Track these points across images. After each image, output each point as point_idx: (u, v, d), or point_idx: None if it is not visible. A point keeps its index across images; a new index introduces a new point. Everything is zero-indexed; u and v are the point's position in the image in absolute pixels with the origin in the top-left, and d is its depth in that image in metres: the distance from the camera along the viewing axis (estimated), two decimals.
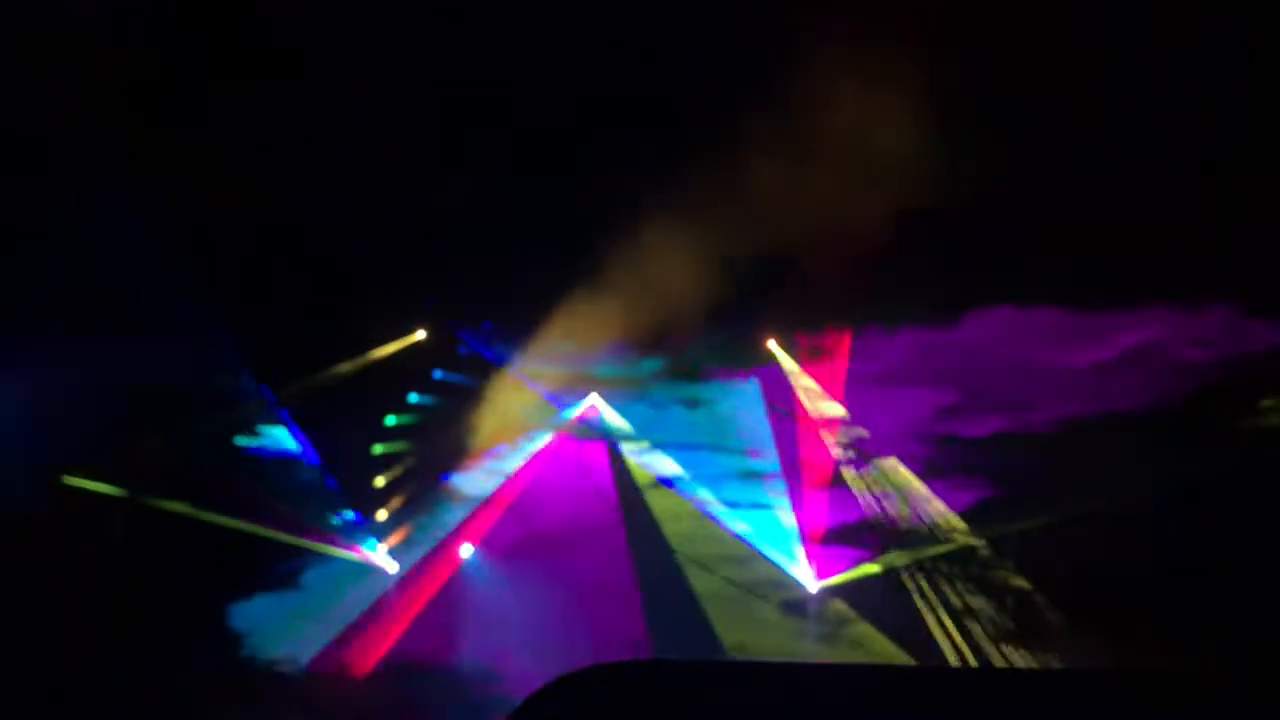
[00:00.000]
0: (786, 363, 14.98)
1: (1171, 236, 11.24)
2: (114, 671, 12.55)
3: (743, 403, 15.01)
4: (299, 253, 12.98)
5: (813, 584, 14.47)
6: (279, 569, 14.07)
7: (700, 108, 11.88)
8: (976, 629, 13.36)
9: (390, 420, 14.96)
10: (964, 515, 13.76)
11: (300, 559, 14.23)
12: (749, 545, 14.66)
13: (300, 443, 14.22)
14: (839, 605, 14.29)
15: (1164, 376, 12.26)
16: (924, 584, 13.73)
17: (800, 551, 14.53)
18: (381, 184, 12.61)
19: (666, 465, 15.04)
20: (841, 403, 14.48)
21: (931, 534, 13.91)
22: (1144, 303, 12.33)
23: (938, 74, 10.84)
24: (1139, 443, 12.22)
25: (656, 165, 11.96)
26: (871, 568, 14.20)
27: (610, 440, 15.20)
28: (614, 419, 15.23)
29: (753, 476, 14.81)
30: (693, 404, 15.02)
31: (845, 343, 14.21)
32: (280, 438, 14.18)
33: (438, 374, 15.04)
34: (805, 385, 14.79)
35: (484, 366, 14.95)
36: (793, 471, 14.69)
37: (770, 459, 14.78)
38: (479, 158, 12.45)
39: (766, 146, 11.76)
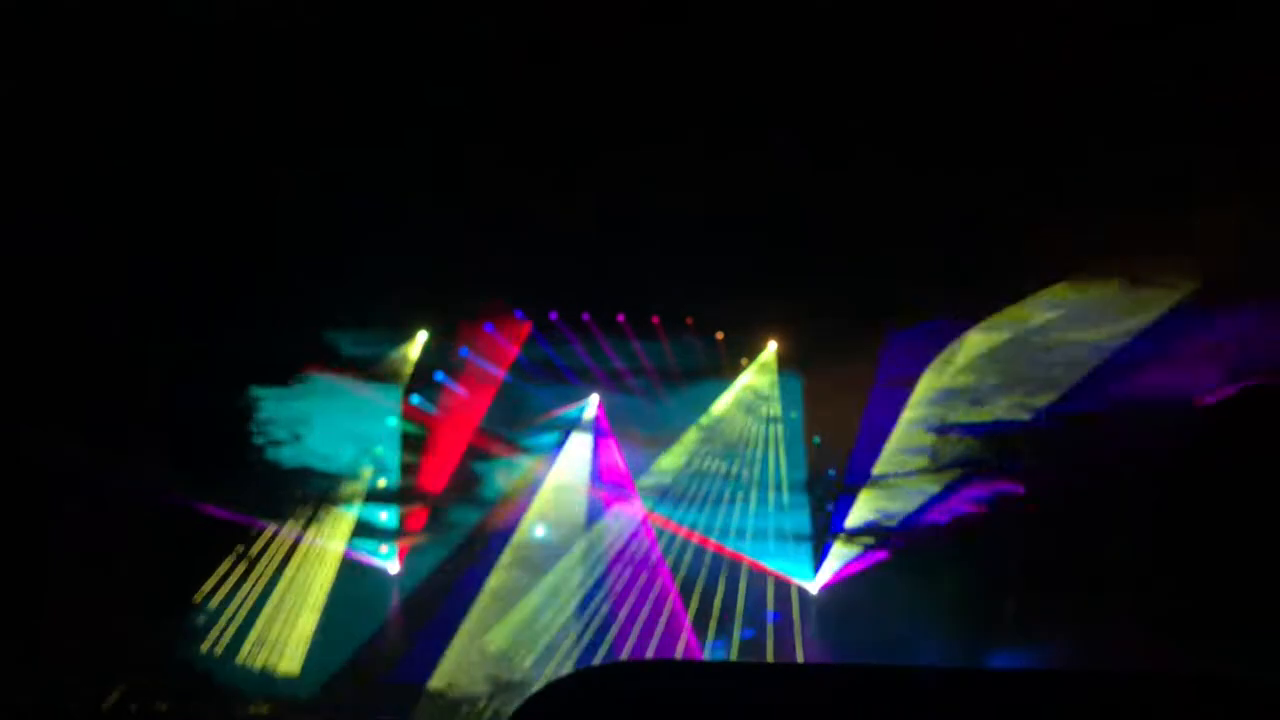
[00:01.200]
0: (787, 364, 14.99)
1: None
2: (116, 668, 12.61)
3: (742, 403, 15.02)
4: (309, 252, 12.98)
5: (814, 585, 14.47)
6: (282, 569, 14.10)
7: None
8: (976, 627, 13.34)
9: (392, 423, 14.99)
10: (965, 513, 13.74)
11: (304, 559, 14.25)
12: (750, 545, 14.67)
13: (305, 444, 14.23)
14: (840, 605, 14.29)
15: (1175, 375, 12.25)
16: (925, 583, 13.72)
17: (802, 552, 14.54)
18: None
19: (668, 464, 15.05)
20: (842, 402, 14.45)
21: (930, 532, 13.90)
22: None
23: None
24: (1143, 441, 12.21)
25: None
26: (873, 567, 14.19)
27: (612, 439, 15.21)
28: (616, 418, 15.23)
29: (754, 477, 14.81)
30: (694, 404, 15.05)
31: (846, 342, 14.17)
32: (284, 439, 14.18)
33: (439, 375, 15.06)
34: (803, 385, 14.79)
35: (484, 372, 14.98)
36: (795, 473, 14.69)
37: (771, 460, 14.78)
38: None
39: None
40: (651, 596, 14.51)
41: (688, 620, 14.36)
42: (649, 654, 13.94)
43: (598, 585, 14.55)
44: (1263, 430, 11.56)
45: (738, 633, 14.34)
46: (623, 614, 14.39)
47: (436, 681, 13.87)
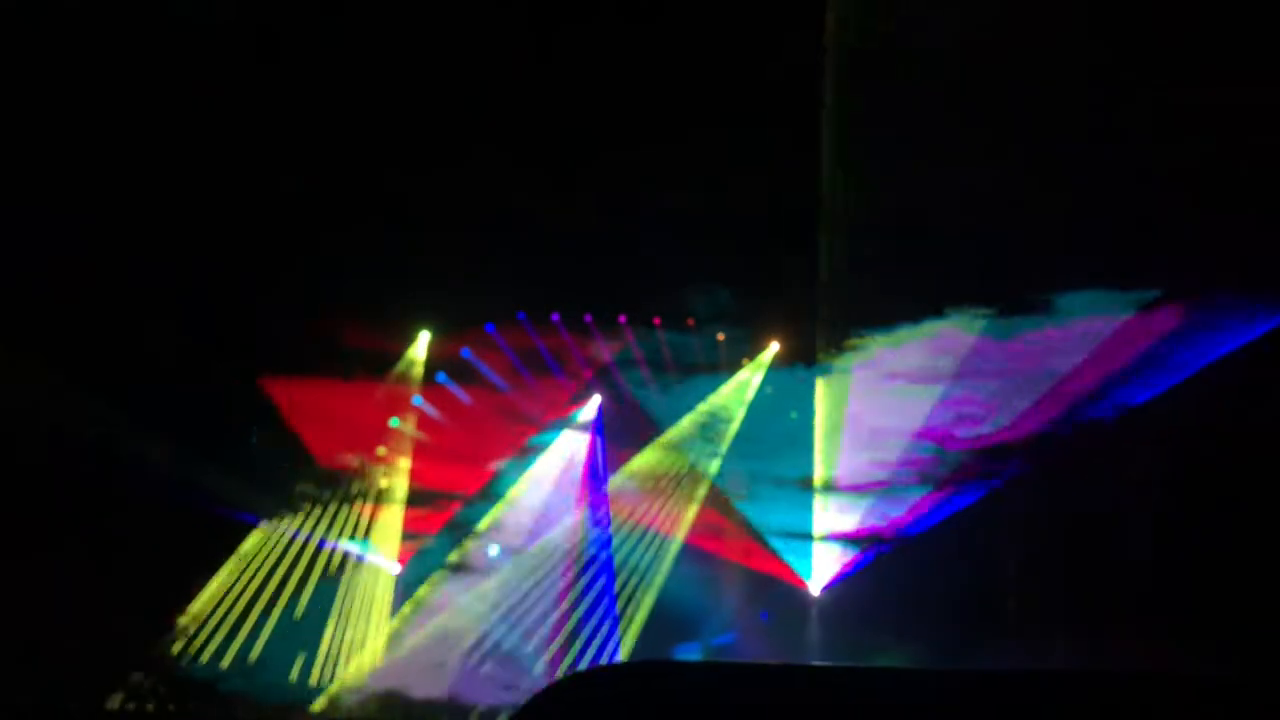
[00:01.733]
0: (788, 364, 14.98)
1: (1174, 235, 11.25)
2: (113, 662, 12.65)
3: (742, 402, 15.01)
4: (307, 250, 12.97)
5: (816, 586, 14.47)
6: (286, 567, 14.11)
7: None
8: (978, 627, 13.34)
9: (395, 423, 15.01)
10: (966, 516, 13.74)
11: (305, 559, 14.25)
12: (748, 545, 14.65)
13: (309, 444, 14.22)
14: (841, 606, 14.29)
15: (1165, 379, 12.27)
16: (924, 584, 13.72)
17: (803, 553, 14.53)
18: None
19: (669, 465, 15.03)
20: (847, 405, 14.44)
21: (933, 534, 13.89)
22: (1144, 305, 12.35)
23: None
24: (1140, 444, 12.23)
25: None
26: (873, 567, 14.18)
27: (613, 439, 15.20)
28: (616, 419, 15.22)
29: (757, 478, 14.79)
30: (696, 404, 15.04)
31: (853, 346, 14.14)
32: (283, 437, 14.17)
33: (441, 377, 15.08)
34: (804, 385, 14.77)
35: (485, 373, 14.99)
36: (796, 473, 14.67)
37: (775, 461, 14.77)
38: None
39: None
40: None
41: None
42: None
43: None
44: (1266, 429, 11.56)
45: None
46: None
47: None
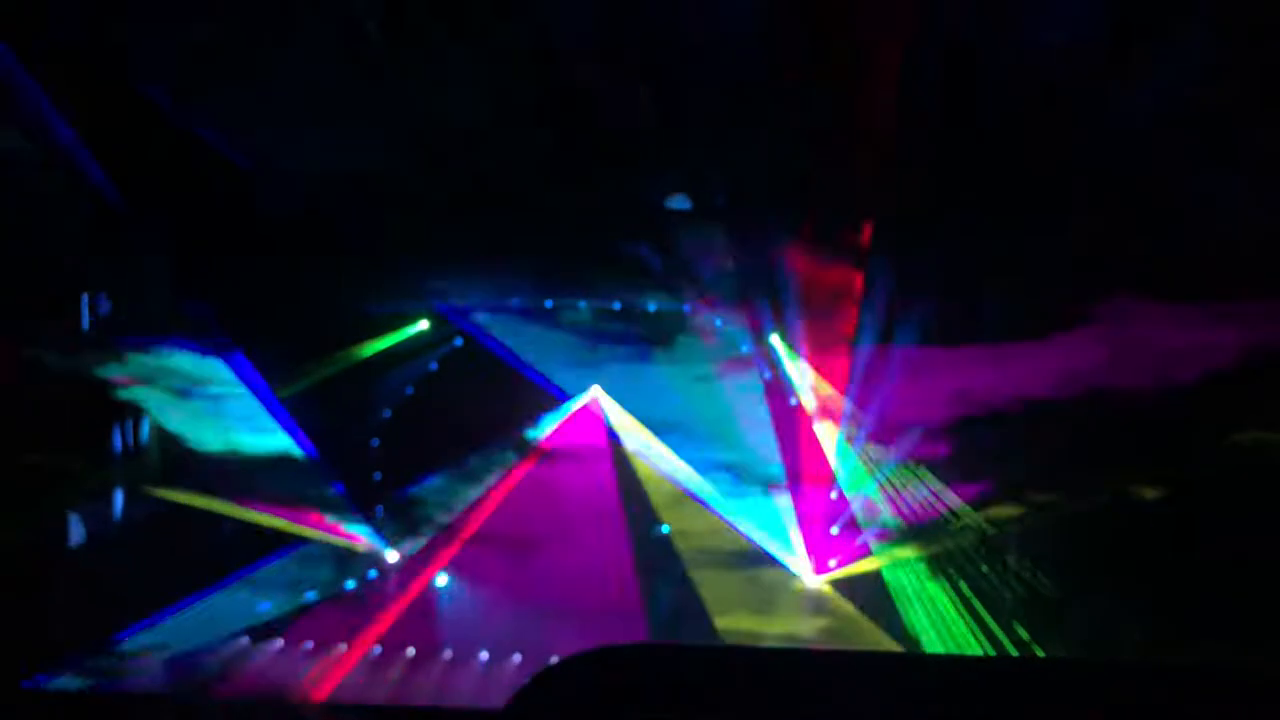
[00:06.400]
0: (789, 354, 14.96)
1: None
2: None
3: (747, 392, 14.97)
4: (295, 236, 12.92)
5: (812, 576, 14.48)
6: (278, 557, 14.12)
7: None
8: (979, 622, 13.37)
9: (388, 412, 15.01)
10: (967, 507, 13.74)
11: (300, 547, 14.26)
12: (750, 536, 14.66)
13: (299, 431, 14.20)
14: (840, 598, 14.30)
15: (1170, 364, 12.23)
16: (928, 576, 13.75)
17: (801, 543, 14.54)
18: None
19: (669, 455, 15.03)
20: (848, 393, 14.42)
21: (934, 526, 13.89)
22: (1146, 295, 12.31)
23: None
24: (1148, 433, 12.22)
25: None
26: (873, 560, 14.20)
27: (611, 430, 15.20)
28: (616, 408, 15.21)
29: (756, 467, 14.79)
30: (697, 394, 15.01)
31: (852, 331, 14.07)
32: (279, 425, 14.15)
33: (434, 366, 15.07)
34: (810, 375, 14.76)
35: (484, 356, 14.95)
36: (796, 462, 14.67)
37: (775, 449, 14.76)
38: None
39: None
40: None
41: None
42: None
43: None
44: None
45: None
46: None
47: None
